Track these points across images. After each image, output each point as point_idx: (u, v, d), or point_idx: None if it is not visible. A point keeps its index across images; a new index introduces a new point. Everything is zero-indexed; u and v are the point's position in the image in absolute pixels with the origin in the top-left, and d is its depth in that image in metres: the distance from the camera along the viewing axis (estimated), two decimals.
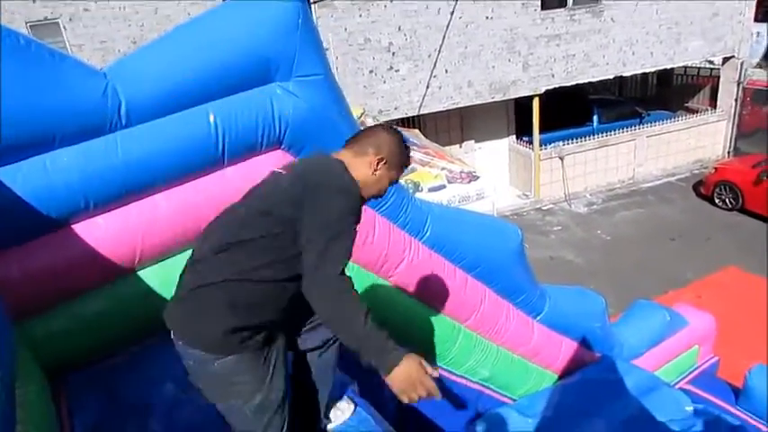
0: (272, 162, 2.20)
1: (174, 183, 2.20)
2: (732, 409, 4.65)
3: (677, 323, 4.71)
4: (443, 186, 8.91)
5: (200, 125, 2.14)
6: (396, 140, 1.70)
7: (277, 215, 1.45)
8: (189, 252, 1.59)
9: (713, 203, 12.42)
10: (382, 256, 2.76)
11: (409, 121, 11.68)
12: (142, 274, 2.29)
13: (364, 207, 1.70)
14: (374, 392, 2.73)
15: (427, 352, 3.12)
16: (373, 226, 2.68)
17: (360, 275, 2.73)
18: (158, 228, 2.19)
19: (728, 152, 14.81)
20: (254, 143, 2.26)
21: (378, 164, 1.64)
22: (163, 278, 2.23)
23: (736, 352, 6.16)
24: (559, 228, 11.70)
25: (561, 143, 12.53)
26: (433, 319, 3.10)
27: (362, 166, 1.63)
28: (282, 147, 2.36)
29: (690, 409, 3.77)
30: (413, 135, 10.08)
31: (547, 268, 9.49)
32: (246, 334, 1.47)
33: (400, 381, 1.37)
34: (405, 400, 1.37)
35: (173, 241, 2.24)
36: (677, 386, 4.79)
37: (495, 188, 10.03)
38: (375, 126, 1.83)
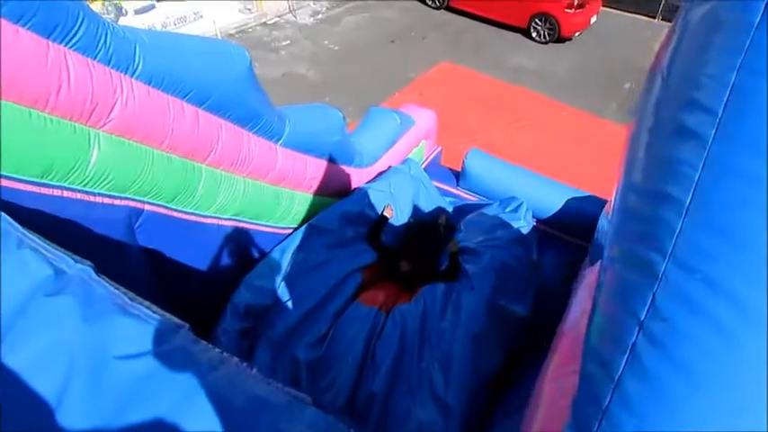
0: None
1: None
2: (454, 191, 5.33)
3: (406, 123, 5.03)
4: (152, 6, 7.66)
5: None
6: None
7: None
8: None
9: (425, 3, 13.16)
10: (88, 101, 2.25)
11: None
12: None
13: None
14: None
15: (169, 201, 2.84)
16: (66, 67, 2.12)
17: (63, 127, 2.20)
18: None
19: None
20: None
21: None
22: None
23: (455, 139, 7.00)
24: (288, 42, 11.31)
25: None
26: (169, 163, 2.77)
27: None
28: None
29: None
30: None
31: (281, 86, 9.26)
32: None
33: None
34: None
35: None
36: None
37: (213, 4, 8.99)
38: None
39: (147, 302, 1.35)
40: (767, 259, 0.81)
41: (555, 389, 1.48)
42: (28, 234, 1.43)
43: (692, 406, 0.89)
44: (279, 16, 12.24)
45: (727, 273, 0.84)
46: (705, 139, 0.85)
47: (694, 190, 0.86)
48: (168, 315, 1.32)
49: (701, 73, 0.87)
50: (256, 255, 3.64)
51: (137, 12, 7.32)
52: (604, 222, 3.47)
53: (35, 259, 1.32)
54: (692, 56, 0.93)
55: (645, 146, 1.03)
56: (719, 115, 0.83)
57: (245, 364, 1.32)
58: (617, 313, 1.04)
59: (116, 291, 1.36)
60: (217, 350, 1.31)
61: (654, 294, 0.92)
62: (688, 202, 0.87)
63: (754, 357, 0.84)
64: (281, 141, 3.49)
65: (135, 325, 1.24)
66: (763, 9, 0.80)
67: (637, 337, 0.95)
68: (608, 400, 0.99)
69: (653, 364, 0.92)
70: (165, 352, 1.20)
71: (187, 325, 1.31)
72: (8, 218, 1.45)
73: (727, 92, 0.82)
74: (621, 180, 1.13)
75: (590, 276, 2.21)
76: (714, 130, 0.84)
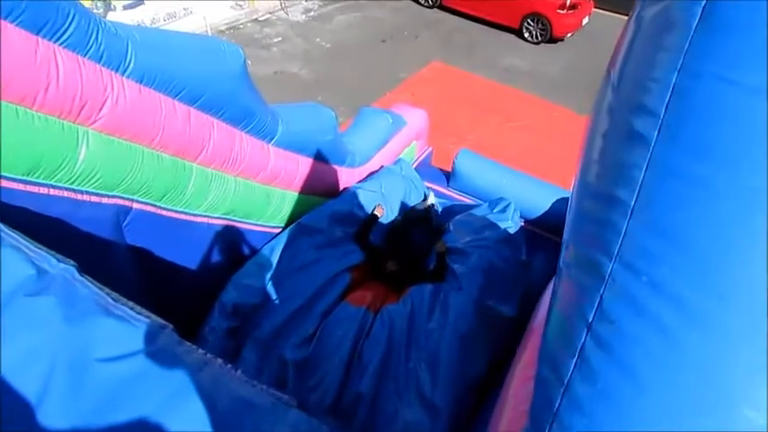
0: None
1: None
2: (445, 191, 5.34)
3: (398, 124, 5.03)
4: (141, 2, 7.59)
5: None
6: None
7: None
8: None
9: (417, 1, 13.15)
10: (77, 98, 2.23)
11: None
12: None
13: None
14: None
15: (158, 200, 2.83)
16: (55, 64, 2.10)
17: (51, 125, 2.18)
18: None
19: None
20: None
21: None
22: None
23: (445, 140, 7.01)
24: (280, 39, 11.27)
25: None
26: (159, 162, 2.76)
27: None
28: None
29: None
30: None
31: (273, 84, 9.23)
32: None
33: None
34: None
35: None
36: None
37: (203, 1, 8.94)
38: None
39: (131, 303, 1.34)
40: (708, 260, 0.81)
41: (518, 393, 1.49)
42: (9, 232, 1.41)
43: (638, 407, 0.89)
44: (270, 13, 12.19)
45: (669, 274, 0.85)
46: (649, 141, 0.86)
47: (639, 191, 0.87)
48: (153, 316, 1.32)
49: (648, 75, 0.88)
50: (245, 253, 3.63)
51: (125, 7, 7.27)
52: None
53: (16, 258, 1.30)
54: (642, 57, 0.93)
55: (598, 149, 1.04)
56: (662, 117, 0.84)
57: (229, 365, 1.32)
58: (568, 316, 1.04)
59: (99, 291, 1.35)
60: (201, 351, 1.30)
61: (601, 296, 0.93)
62: (633, 203, 0.88)
63: (695, 359, 0.85)
64: (273, 141, 3.48)
65: (118, 326, 1.23)
66: (700, 11, 0.81)
67: (585, 339, 0.95)
68: (558, 402, 0.99)
69: (600, 366, 0.93)
70: (149, 353, 1.19)
71: (171, 326, 1.30)
72: None
73: (669, 93, 0.83)
74: (577, 182, 1.14)
75: (554, 280, 2.25)
76: (657, 132, 0.85)
